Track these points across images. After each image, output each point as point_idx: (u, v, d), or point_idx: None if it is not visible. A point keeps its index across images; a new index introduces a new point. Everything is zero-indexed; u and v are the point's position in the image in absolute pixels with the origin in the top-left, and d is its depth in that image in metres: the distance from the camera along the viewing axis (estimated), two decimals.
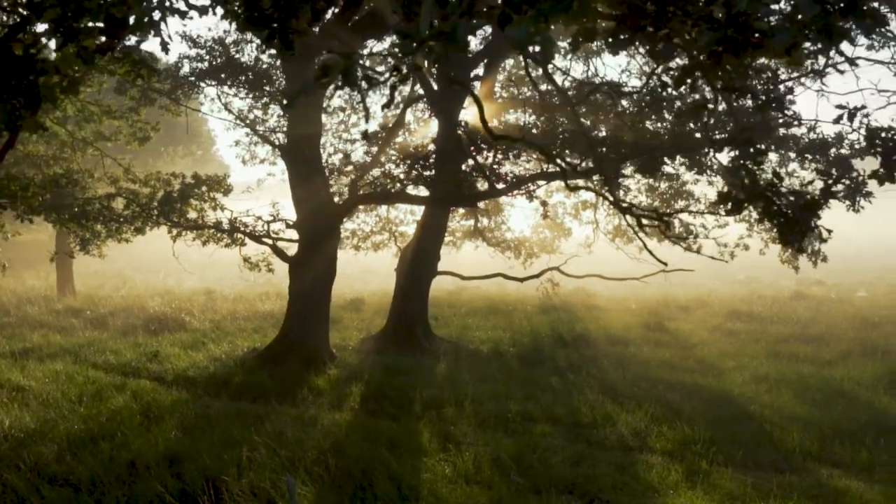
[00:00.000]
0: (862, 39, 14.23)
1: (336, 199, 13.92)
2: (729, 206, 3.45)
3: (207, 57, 14.50)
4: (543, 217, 11.61)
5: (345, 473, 6.85)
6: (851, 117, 3.86)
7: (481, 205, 20.59)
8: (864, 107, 3.96)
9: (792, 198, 3.35)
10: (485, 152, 11.53)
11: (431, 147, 11.86)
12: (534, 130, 10.43)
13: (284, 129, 14.77)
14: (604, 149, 8.95)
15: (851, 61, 5.83)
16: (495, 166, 11.18)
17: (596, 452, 8.17)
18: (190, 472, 6.64)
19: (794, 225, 3.25)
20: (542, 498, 6.47)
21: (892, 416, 9.69)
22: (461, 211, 21.12)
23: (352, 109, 19.21)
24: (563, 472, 7.25)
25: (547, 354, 14.15)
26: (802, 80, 16.66)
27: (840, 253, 45.18)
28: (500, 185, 11.21)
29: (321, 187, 12.45)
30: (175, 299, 20.57)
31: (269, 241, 13.22)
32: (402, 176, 11.52)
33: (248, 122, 16.41)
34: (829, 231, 3.98)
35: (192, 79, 14.02)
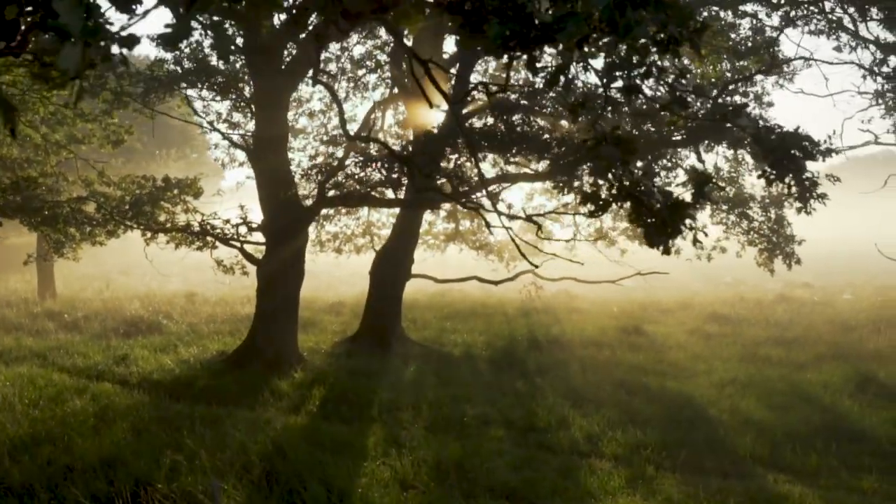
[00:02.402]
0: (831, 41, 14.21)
1: (307, 201, 13.88)
2: (593, 206, 3.39)
3: (182, 60, 14.49)
4: (510, 218, 11.56)
5: (281, 477, 6.80)
6: (736, 114, 3.80)
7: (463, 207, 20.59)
8: (746, 105, 3.91)
9: (662, 198, 3.32)
10: (449, 154, 11.49)
11: (398, 149, 11.82)
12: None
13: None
14: (559, 149, 8.90)
15: (787, 61, 5.73)
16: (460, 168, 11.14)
17: (544, 457, 8.12)
18: (122, 477, 6.60)
19: (664, 227, 3.21)
20: (474, 502, 6.41)
21: (850, 420, 9.61)
22: (443, 213, 21.13)
23: (329, 110, 19.25)
24: (504, 476, 7.20)
25: (518, 357, 14.08)
26: (780, 80, 16.70)
27: (834, 254, 45.01)
28: (464, 188, 11.16)
29: (288, 189, 12.40)
30: (155, 302, 20.56)
31: (237, 244, 13.19)
32: (366, 178, 11.49)
33: (226, 124, 16.38)
34: (706, 233, 3.93)
35: (157, 84, 13.99)
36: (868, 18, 11.67)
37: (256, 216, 13.85)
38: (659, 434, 8.89)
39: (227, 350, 13.76)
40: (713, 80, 14.21)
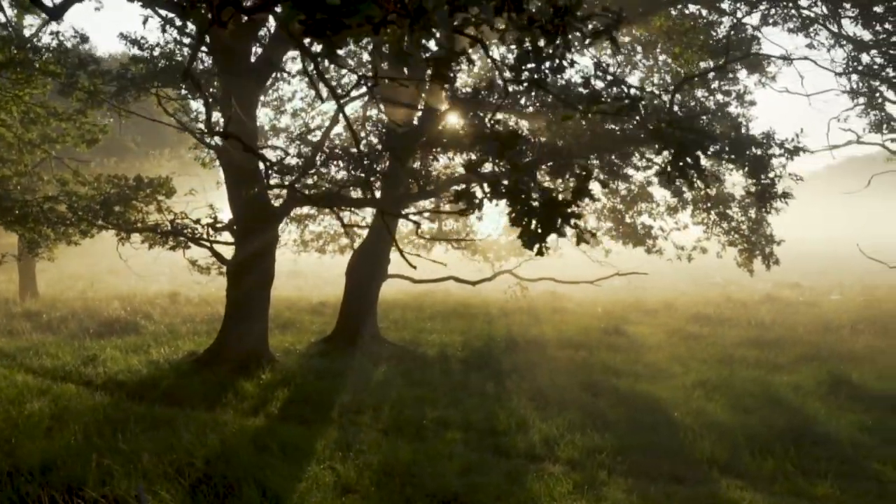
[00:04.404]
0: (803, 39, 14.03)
1: (278, 200, 13.76)
2: (465, 204, 3.27)
3: (156, 58, 14.39)
4: (482, 211, 11.47)
5: (218, 481, 6.68)
6: (633, 107, 3.67)
7: (447, 208, 20.47)
8: (643, 98, 3.77)
9: (540, 196, 3.17)
10: (417, 154, 11.36)
11: (365, 148, 11.69)
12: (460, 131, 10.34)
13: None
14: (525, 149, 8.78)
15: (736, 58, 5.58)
16: (425, 168, 11.01)
17: (496, 461, 7.97)
18: (55, 481, 6.49)
19: (545, 227, 3.07)
20: None
21: (816, 422, 9.44)
22: (426, 214, 21.02)
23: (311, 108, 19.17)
24: (450, 481, 7.06)
25: (494, 358, 13.93)
26: (763, 79, 16.51)
27: (827, 254, 44.65)
28: (430, 188, 11.03)
29: (252, 188, 12.27)
30: (136, 302, 20.46)
31: (206, 244, 13.08)
32: (332, 177, 11.37)
33: (203, 122, 16.26)
34: (594, 234, 3.76)
35: (130, 82, 13.89)
36: (841, 16, 11.49)
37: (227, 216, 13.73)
38: (618, 437, 8.74)
39: (199, 350, 13.64)
40: (696, 76, 14.04)
